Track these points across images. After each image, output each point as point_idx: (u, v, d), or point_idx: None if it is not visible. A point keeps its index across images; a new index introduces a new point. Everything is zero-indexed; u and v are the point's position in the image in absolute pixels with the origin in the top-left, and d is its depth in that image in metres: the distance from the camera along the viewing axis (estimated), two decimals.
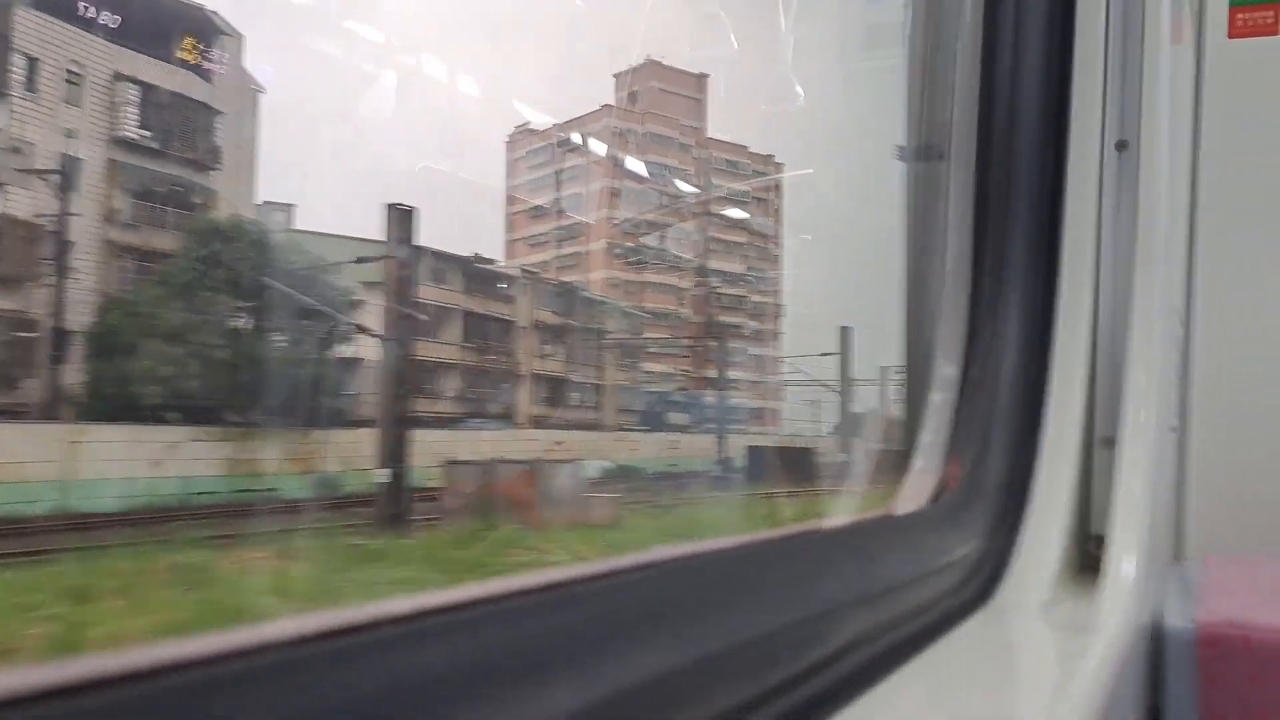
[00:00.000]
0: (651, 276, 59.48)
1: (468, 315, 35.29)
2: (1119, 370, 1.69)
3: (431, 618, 0.67)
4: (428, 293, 32.16)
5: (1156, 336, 1.70)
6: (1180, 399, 2.20)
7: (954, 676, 1.20)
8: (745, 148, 64.82)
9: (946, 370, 1.78)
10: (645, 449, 34.70)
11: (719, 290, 64.06)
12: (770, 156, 67.71)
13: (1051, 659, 1.43)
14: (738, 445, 44.04)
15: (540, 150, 60.57)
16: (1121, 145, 1.76)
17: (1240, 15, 2.33)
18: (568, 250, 58.93)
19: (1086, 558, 1.64)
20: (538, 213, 60.81)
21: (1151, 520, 1.60)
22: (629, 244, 57.51)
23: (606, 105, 56.62)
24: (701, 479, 29.52)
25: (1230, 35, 2.34)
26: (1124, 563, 1.50)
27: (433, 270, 33.62)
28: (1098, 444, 1.71)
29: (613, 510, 17.72)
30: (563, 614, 0.78)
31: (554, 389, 39.77)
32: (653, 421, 45.62)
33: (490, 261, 36.33)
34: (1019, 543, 1.58)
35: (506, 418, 32.82)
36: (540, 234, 60.63)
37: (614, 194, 57.09)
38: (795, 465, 33.99)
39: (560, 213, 59.99)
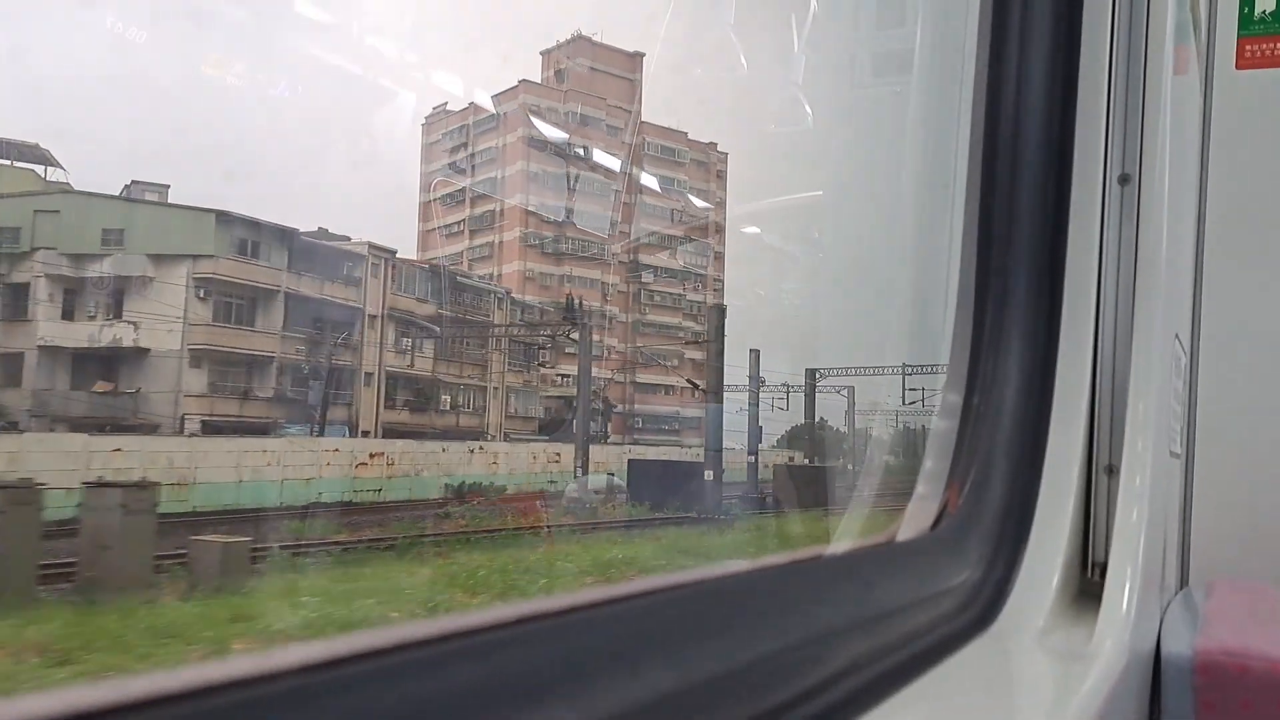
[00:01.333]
0: (574, 270, 54.46)
1: (292, 299, 30.24)
2: (1121, 399, 1.68)
3: (435, 644, 0.69)
4: (227, 268, 27.35)
5: (1158, 366, 1.70)
6: (1185, 426, 2.18)
7: (952, 702, 1.22)
8: (684, 134, 59.91)
9: (950, 398, 1.77)
10: (514, 462, 29.85)
11: (651, 287, 59.05)
12: (713, 145, 62.84)
13: (1049, 686, 1.43)
14: (654, 456, 39.04)
15: (456, 132, 55.57)
16: (1124, 179, 1.74)
17: (1249, 46, 2.37)
18: (481, 241, 53.82)
19: (1086, 585, 1.63)
20: (453, 200, 55.74)
21: (1152, 548, 1.61)
22: (548, 234, 52.48)
23: (524, 81, 51.62)
24: (533, 503, 24.40)
25: (1239, 66, 2.36)
26: (1123, 590, 1.51)
27: (238, 243, 29.29)
28: (1099, 471, 1.69)
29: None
30: (567, 638, 0.80)
31: (420, 390, 34.43)
32: (555, 430, 40.48)
33: (343, 239, 31.05)
34: (1019, 570, 1.57)
35: (322, 424, 27.59)
36: (455, 223, 55.55)
37: (531, 179, 52.06)
38: (675, 486, 28.74)
39: (474, 200, 54.94)
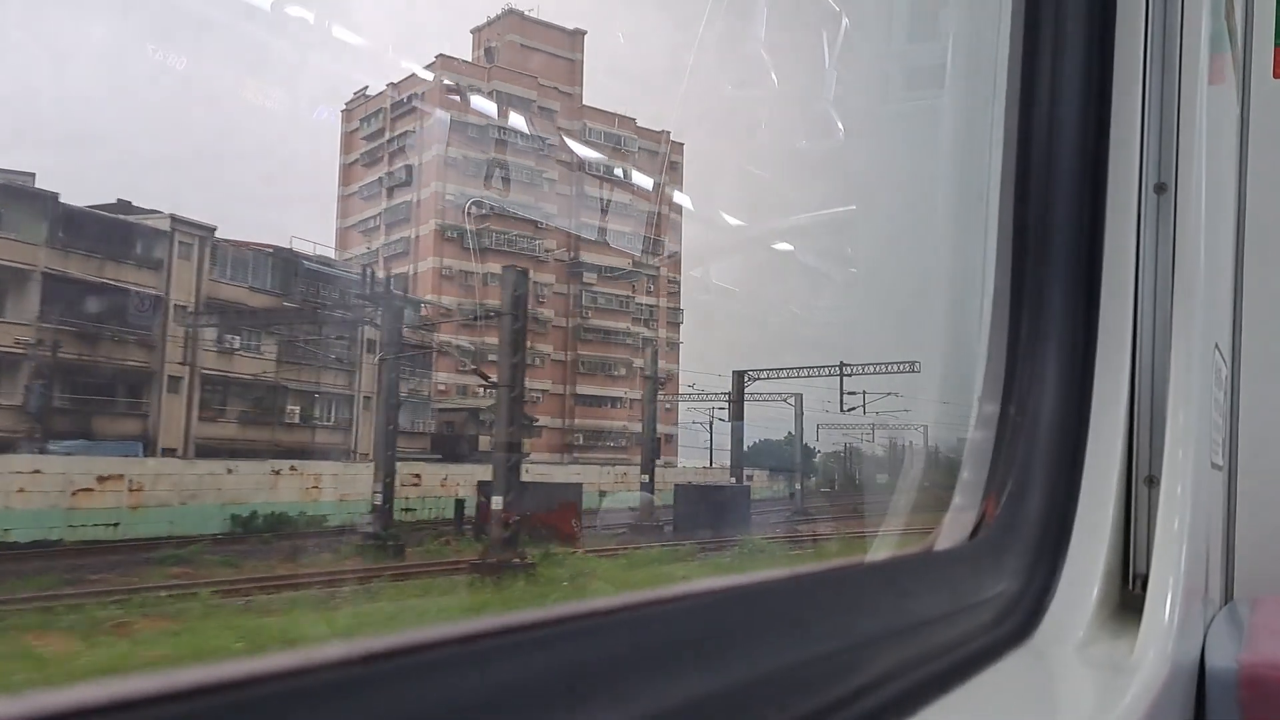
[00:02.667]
0: (501, 267, 48.78)
1: (56, 281, 23.54)
2: (1160, 409, 1.69)
3: (475, 642, 0.71)
4: None
5: (1198, 375, 1.71)
6: (1227, 437, 2.21)
7: (990, 713, 1.22)
8: (633, 120, 54.29)
9: (986, 408, 1.79)
10: (351, 485, 24.22)
11: (595, 288, 53.25)
12: (665, 134, 57.19)
13: (1090, 699, 1.43)
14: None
15: (373, 117, 50.14)
16: (1160, 188, 1.76)
17: None
18: (397, 236, 48.22)
19: (1127, 596, 1.64)
20: (369, 193, 50.24)
21: (1194, 560, 1.62)
22: (471, 227, 46.76)
23: (441, 55, 46.09)
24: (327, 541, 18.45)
25: (1276, 75, 2.39)
26: (1165, 602, 1.50)
27: None
28: (1139, 482, 1.70)
29: None
30: (607, 640, 0.82)
31: (259, 399, 28.26)
32: (453, 447, 34.59)
33: (153, 214, 24.95)
34: (1058, 581, 1.58)
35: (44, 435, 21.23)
36: (372, 218, 50.01)
37: (448, 166, 46.44)
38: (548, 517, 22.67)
39: (390, 191, 49.36)
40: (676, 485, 30.36)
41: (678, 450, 59.34)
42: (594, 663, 0.76)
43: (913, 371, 32.97)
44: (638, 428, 55.13)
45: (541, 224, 48.65)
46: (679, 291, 56.76)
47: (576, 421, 50.79)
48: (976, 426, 1.78)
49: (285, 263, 28.79)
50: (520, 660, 0.71)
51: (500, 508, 19.56)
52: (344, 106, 49.90)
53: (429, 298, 41.85)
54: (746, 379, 36.69)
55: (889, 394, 35.65)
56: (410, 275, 46.33)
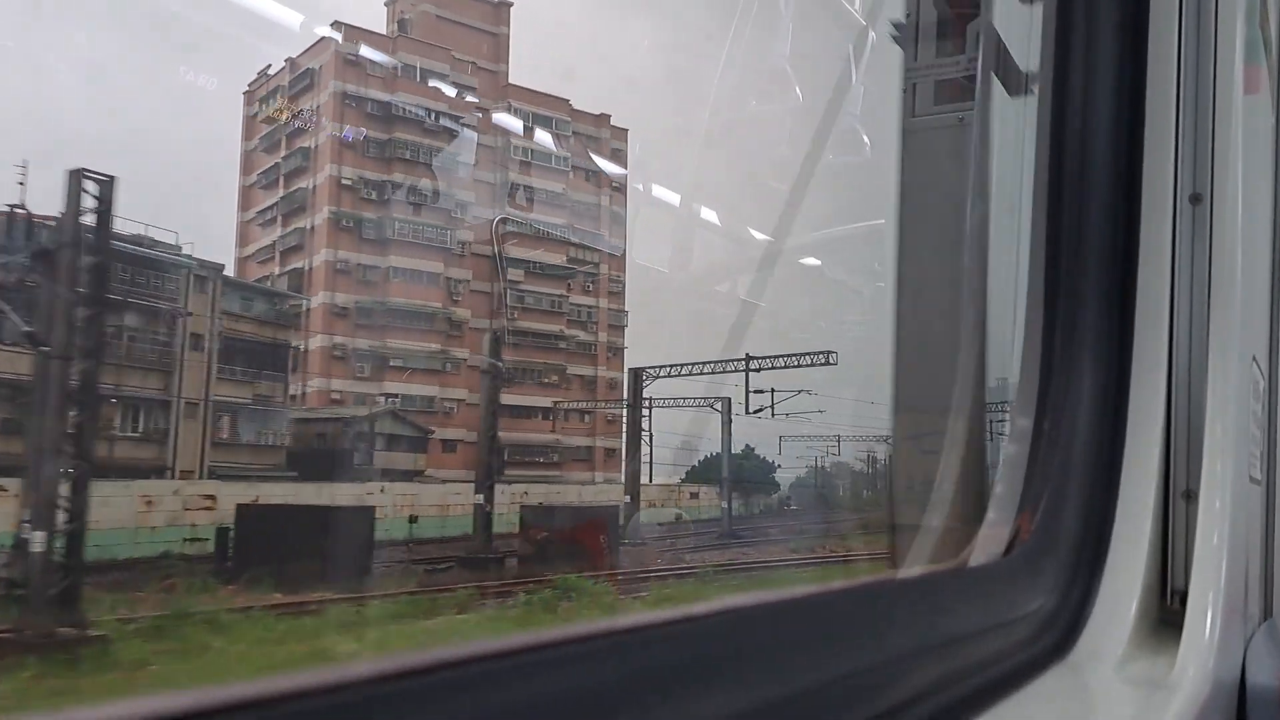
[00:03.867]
0: (406, 261, 43.56)
1: None
2: (1197, 422, 1.67)
3: (505, 659, 0.71)
4: None
5: (1235, 388, 1.68)
6: (1265, 450, 2.16)
7: None
8: (566, 101, 49.24)
9: (1020, 422, 1.77)
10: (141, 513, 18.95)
11: (522, 286, 48.08)
12: (605, 118, 52.14)
13: (1130, 716, 1.41)
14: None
15: (270, 98, 45.28)
16: (1195, 198, 1.73)
17: None
18: (294, 226, 43.19)
19: (1166, 613, 1.62)
20: (268, 181, 45.29)
21: (1234, 575, 1.59)
22: (369, 215, 41.68)
23: (337, 22, 41.15)
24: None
25: None
26: (1205, 618, 1.49)
27: None
28: (1177, 496, 1.67)
29: None
30: (630, 658, 0.81)
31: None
32: (315, 463, 29.36)
33: None
34: (1096, 597, 1.57)
35: None
36: (269, 207, 45.05)
37: (346, 147, 41.45)
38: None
39: (287, 178, 44.39)
40: (524, 508, 25.01)
41: (622, 464, 53.57)
42: (616, 682, 0.76)
43: (827, 364, 27.66)
44: (575, 441, 49.73)
45: (456, 214, 43.50)
46: (622, 291, 51.59)
47: (502, 435, 45.45)
48: (1010, 440, 1.76)
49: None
50: (540, 679, 0.70)
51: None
52: (247, 88, 44.98)
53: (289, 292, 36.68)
54: (645, 377, 31.55)
55: (800, 391, 30.52)
56: (306, 270, 41.19)
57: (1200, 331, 1.69)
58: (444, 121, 42.45)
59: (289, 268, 41.81)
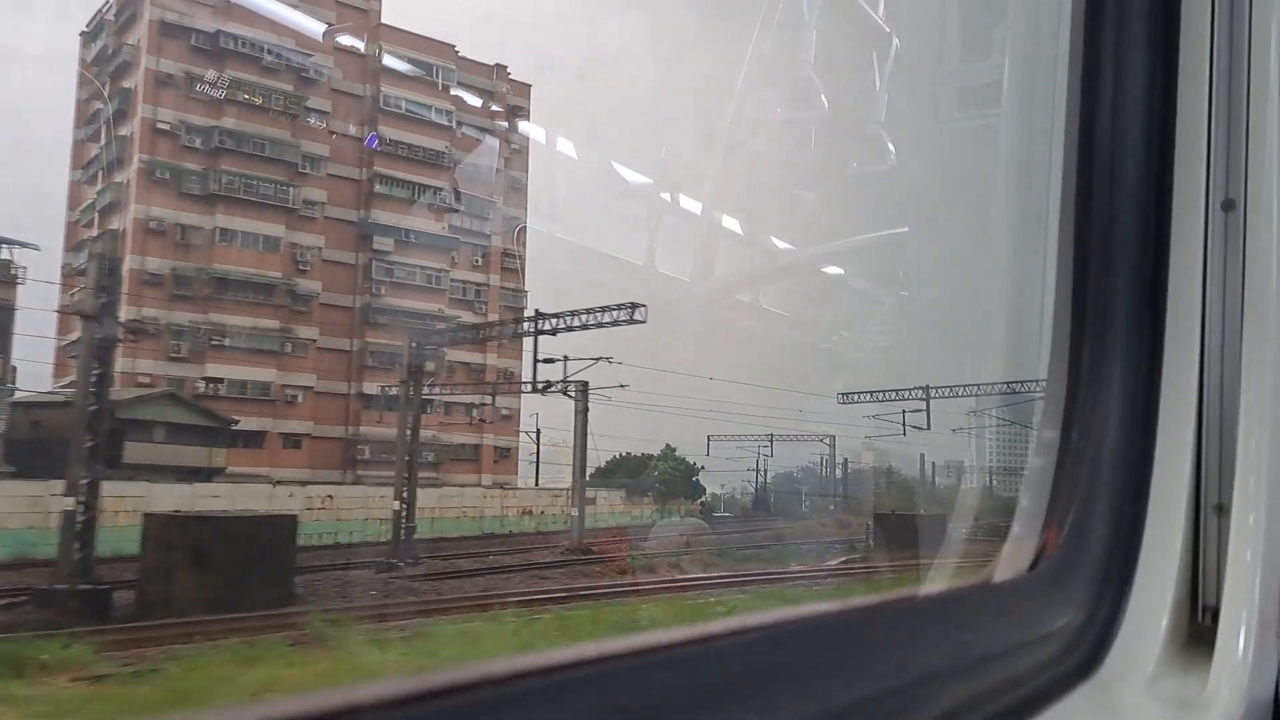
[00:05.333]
0: (237, 221, 37.27)
1: None
2: (1230, 434, 1.64)
3: (520, 681, 0.70)
4: None
5: (1270, 399, 1.64)
6: None
7: None
8: (452, 48, 43.09)
9: (1046, 434, 1.74)
10: None
11: (391, 258, 41.84)
12: (503, 69, 45.93)
13: None
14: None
15: (102, 34, 39.26)
16: (1229, 204, 1.70)
17: None
18: (118, 178, 37.04)
19: (1198, 630, 1.59)
20: (93, 130, 39.21)
21: (1268, 591, 1.56)
22: (191, 166, 35.50)
23: None
24: None
25: None
26: (1239, 635, 1.47)
27: None
28: (1208, 510, 1.64)
29: None
30: (658, 677, 0.80)
31: None
32: (48, 455, 23.17)
33: None
34: (1125, 613, 1.55)
35: None
36: (92, 160, 38.95)
37: (162, 85, 35.31)
38: None
39: (109, 124, 38.30)
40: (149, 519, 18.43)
41: (518, 466, 46.73)
42: (636, 703, 0.75)
43: (633, 322, 21.41)
44: (456, 438, 43.29)
45: (303, 168, 37.22)
46: (521, 268, 45.32)
47: (363, 430, 39.20)
48: (1036, 453, 1.74)
49: None
50: (561, 701, 0.69)
51: None
52: (83, 29, 38.82)
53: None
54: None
55: (600, 359, 24.32)
56: (121, 230, 34.89)
57: (1233, 341, 1.65)
58: (289, 59, 36.24)
59: (107, 229, 35.53)
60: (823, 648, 1.00)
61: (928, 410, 29.13)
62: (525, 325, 24.00)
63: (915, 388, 28.87)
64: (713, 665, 0.87)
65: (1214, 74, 1.71)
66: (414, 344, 23.86)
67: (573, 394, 25.76)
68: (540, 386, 23.49)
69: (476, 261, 43.26)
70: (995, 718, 1.14)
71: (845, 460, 46.68)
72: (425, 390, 29.40)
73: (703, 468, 48.02)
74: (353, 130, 38.67)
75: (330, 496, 27.69)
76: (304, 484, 28.13)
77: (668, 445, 48.22)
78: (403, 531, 22.42)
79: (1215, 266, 1.67)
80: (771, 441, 48.04)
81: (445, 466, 41.83)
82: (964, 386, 27.70)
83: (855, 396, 30.54)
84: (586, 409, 25.93)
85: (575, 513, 25.35)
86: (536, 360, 22.72)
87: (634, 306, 21.33)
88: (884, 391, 29.18)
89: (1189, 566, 1.60)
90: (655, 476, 46.02)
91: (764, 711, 0.84)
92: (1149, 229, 1.71)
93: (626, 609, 16.10)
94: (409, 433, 24.46)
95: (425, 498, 30.65)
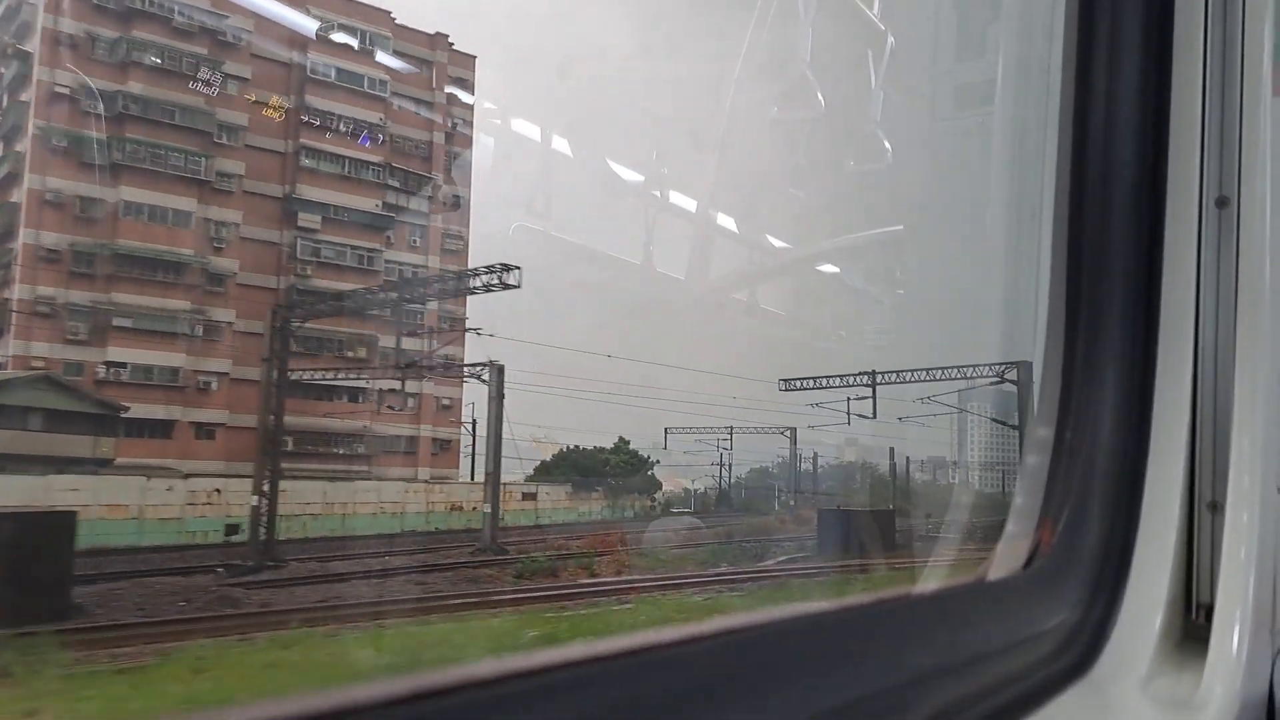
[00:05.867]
0: (143, 194, 34.68)
1: None
2: (1223, 432, 1.64)
3: (517, 680, 0.70)
4: None
5: (1263, 397, 1.64)
6: None
7: None
8: (387, 14, 40.57)
9: (1040, 432, 1.73)
10: None
11: (319, 236, 39.36)
12: (443, 39, 43.42)
13: None
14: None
15: None
16: (1222, 201, 1.71)
17: None
18: (16, 148, 34.46)
19: (1191, 628, 1.58)
20: None
21: (1262, 589, 1.57)
22: (95, 134, 32.94)
23: None
24: None
25: None
26: (1233, 633, 1.46)
27: None
28: (1202, 509, 1.64)
29: None
30: (645, 678, 0.79)
31: None
32: None
33: None
34: (1118, 612, 1.54)
35: None
36: None
37: (59, 44, 32.76)
38: None
39: (8, 88, 35.71)
40: None
41: (459, 458, 44.29)
42: (634, 702, 0.74)
43: (505, 287, 19.14)
44: (395, 430, 40.95)
45: (219, 138, 34.71)
46: (464, 249, 42.89)
47: (286, 420, 36.63)
48: (1030, 451, 1.72)
49: None
50: (554, 701, 0.69)
51: None
52: None
53: None
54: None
55: (469, 329, 21.96)
56: (21, 203, 32.33)
57: (1227, 339, 1.65)
58: (200, 20, 33.70)
59: (5, 201, 32.99)
60: (816, 647, 0.99)
61: (874, 398, 26.97)
62: (391, 294, 21.78)
63: (860, 373, 26.69)
64: (705, 665, 0.86)
65: (1207, 71, 1.71)
66: (274, 319, 21.49)
67: (486, 379, 23.43)
68: (403, 365, 21.36)
69: (414, 242, 40.81)
70: (989, 716, 1.13)
71: (815, 455, 44.61)
72: (307, 372, 26.97)
73: (657, 461, 45.58)
74: (275, 99, 36.14)
75: (218, 490, 25.28)
76: (215, 476, 25.76)
77: (621, 438, 45.75)
78: (262, 530, 20.02)
79: (1209, 263, 1.67)
80: (731, 434, 45.66)
81: (379, 460, 39.44)
82: (912, 371, 25.73)
83: (798, 383, 28.34)
84: (502, 395, 23.61)
85: (488, 509, 23.01)
86: (400, 336, 20.61)
87: (505, 269, 19.05)
88: (828, 378, 27.00)
89: (1183, 565, 1.59)
90: (606, 471, 43.60)
91: (757, 711, 0.83)
92: (1143, 226, 1.71)
93: (497, 622, 13.75)
94: (271, 419, 22.03)
95: (336, 493, 28.31)
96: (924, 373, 25.33)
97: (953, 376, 25.28)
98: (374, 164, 39.68)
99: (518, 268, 18.14)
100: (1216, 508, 1.59)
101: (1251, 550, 1.53)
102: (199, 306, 34.42)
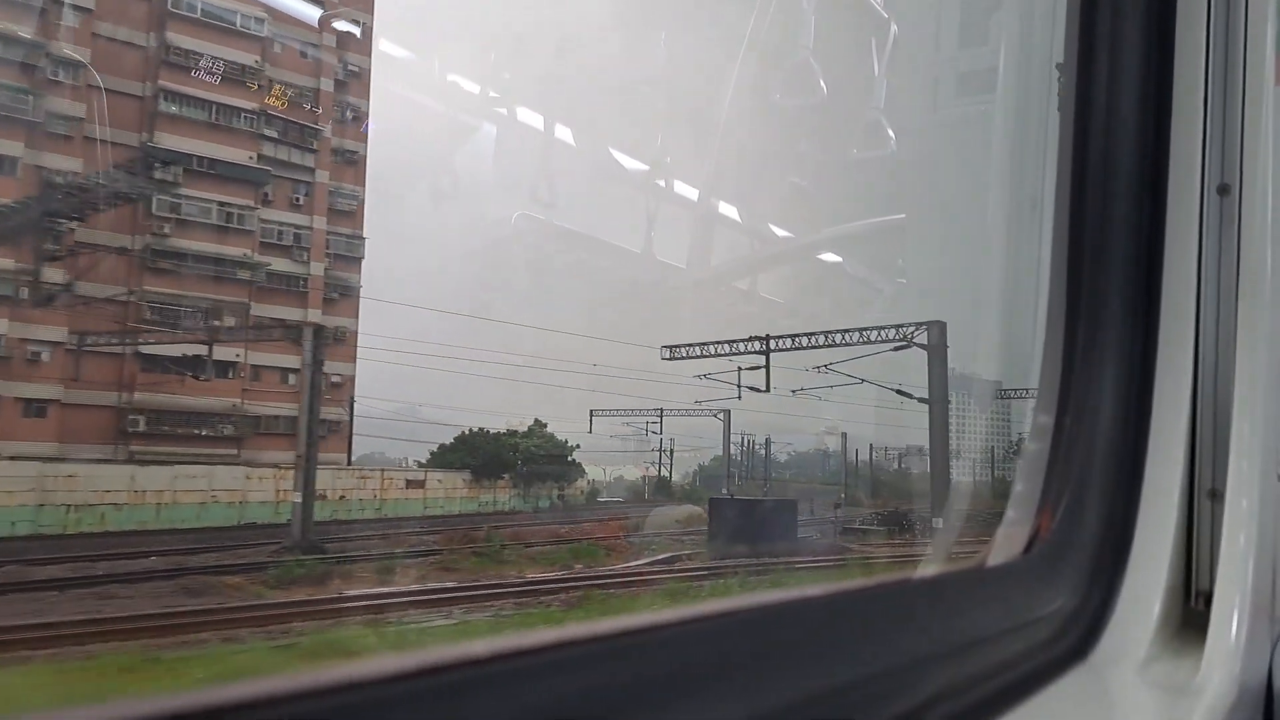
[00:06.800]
0: None
1: None
2: (1224, 420, 1.64)
3: (499, 663, 0.69)
4: None
5: (1263, 384, 1.65)
6: None
7: None
8: None
9: (1040, 419, 1.73)
10: None
11: (183, 191, 35.21)
12: None
13: None
14: None
15: None
16: (1224, 189, 1.71)
17: None
18: None
19: (1190, 615, 1.59)
20: None
21: (1261, 576, 1.57)
22: None
23: None
24: None
25: None
26: (1232, 620, 1.46)
27: None
28: (1202, 496, 1.64)
29: None
30: (643, 658, 0.78)
31: None
32: None
33: None
34: (1117, 597, 1.54)
35: None
36: None
37: None
38: None
39: None
40: None
41: (351, 441, 40.05)
42: (629, 683, 0.73)
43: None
44: (267, 409, 36.85)
45: (54, 75, 30.41)
46: (359, 210, 38.87)
47: (138, 397, 32.62)
48: (1031, 437, 1.72)
49: None
50: (550, 681, 0.68)
51: None
52: None
53: None
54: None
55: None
56: None
57: (1228, 326, 1.65)
58: None
59: None
60: (815, 629, 0.97)
61: (767, 367, 23.31)
62: None
63: (751, 338, 22.92)
64: (703, 646, 0.85)
65: (1210, 58, 1.70)
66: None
67: (306, 342, 19.62)
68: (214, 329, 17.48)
69: (297, 200, 36.65)
70: (987, 700, 1.13)
71: (769, 440, 41.39)
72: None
73: (577, 446, 41.65)
74: (123, 33, 31.87)
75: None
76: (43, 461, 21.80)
77: (537, 421, 41.72)
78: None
79: (1210, 251, 1.66)
80: (661, 416, 41.92)
81: (250, 442, 35.42)
82: (809, 335, 22.10)
83: (684, 351, 24.56)
84: (320, 360, 19.80)
85: (298, 499, 19.22)
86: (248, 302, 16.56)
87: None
88: (715, 344, 23.26)
89: (1183, 551, 1.59)
90: (516, 457, 39.66)
91: (753, 692, 0.82)
92: (1144, 212, 1.70)
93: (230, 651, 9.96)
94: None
95: (150, 479, 24.28)
96: (822, 336, 21.85)
97: (853, 341, 21.77)
98: (248, 111, 35.39)
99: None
100: (1216, 495, 1.59)
101: (1251, 538, 1.53)
102: (28, 266, 30.13)
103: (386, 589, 14.93)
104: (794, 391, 24.35)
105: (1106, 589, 1.51)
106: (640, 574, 17.72)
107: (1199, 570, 1.58)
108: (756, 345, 22.82)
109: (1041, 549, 1.55)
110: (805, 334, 22.15)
